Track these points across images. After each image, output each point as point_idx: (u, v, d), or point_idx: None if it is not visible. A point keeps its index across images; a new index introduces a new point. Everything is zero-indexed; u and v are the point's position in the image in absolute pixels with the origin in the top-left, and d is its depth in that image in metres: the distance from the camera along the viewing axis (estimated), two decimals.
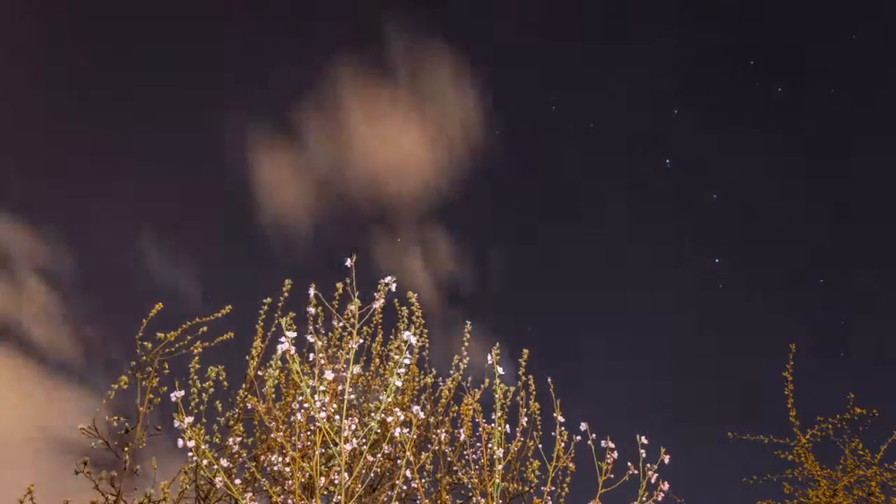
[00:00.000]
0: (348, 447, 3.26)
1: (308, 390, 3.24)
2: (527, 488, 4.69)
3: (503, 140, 12.81)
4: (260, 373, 4.56)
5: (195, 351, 4.49)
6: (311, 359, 3.37)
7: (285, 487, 4.02)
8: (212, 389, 4.56)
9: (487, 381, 4.70)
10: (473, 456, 4.42)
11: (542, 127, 13.22)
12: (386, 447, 4.28)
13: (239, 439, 4.43)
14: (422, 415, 4.68)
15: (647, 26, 12.85)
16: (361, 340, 3.28)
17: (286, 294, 4.65)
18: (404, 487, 4.48)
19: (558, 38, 13.02)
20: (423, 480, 4.79)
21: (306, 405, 3.60)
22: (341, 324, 4.53)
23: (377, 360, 4.99)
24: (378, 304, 3.24)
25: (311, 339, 3.43)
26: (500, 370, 3.60)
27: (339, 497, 3.25)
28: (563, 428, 3.56)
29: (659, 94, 12.84)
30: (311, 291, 3.47)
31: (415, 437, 4.44)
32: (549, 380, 3.60)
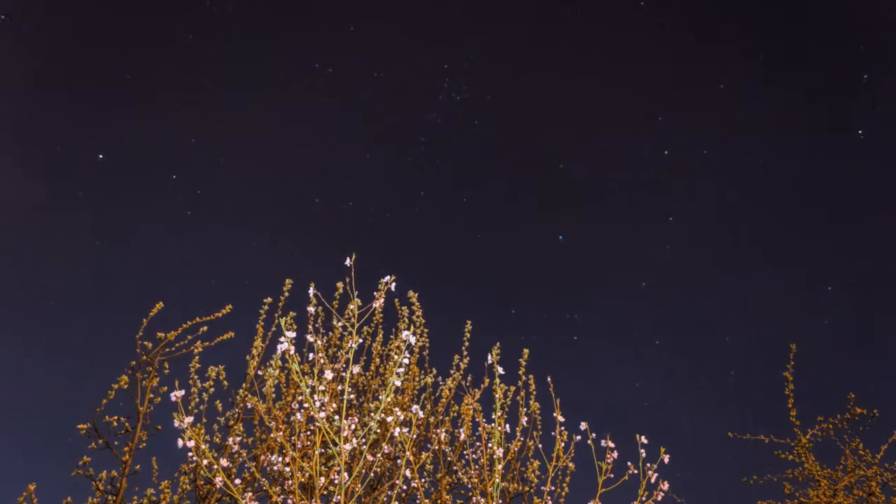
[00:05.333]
0: (348, 447, 3.26)
1: (307, 390, 3.24)
2: (527, 488, 4.69)
3: (666, 126, 12.55)
4: (260, 372, 4.56)
5: (195, 351, 4.49)
6: (311, 358, 3.37)
7: (285, 487, 4.02)
8: (212, 389, 4.55)
9: (487, 380, 4.70)
10: (473, 456, 4.42)
11: (711, 105, 12.97)
12: (386, 447, 4.28)
13: (239, 439, 4.43)
14: (421, 414, 4.68)
15: None
16: (361, 340, 3.28)
17: (286, 294, 4.65)
18: (404, 487, 4.47)
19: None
20: (423, 480, 4.79)
21: (306, 405, 3.60)
22: (341, 323, 4.53)
23: (377, 360, 4.99)
24: (378, 304, 3.24)
25: (310, 338, 3.43)
26: (500, 370, 3.60)
27: (339, 497, 3.25)
28: (562, 428, 3.56)
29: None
30: (311, 291, 3.47)
31: (414, 436, 4.44)
32: (548, 379, 3.60)
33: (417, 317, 4.89)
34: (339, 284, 4.46)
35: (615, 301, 13.16)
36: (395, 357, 4.30)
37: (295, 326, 4.60)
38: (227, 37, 12.77)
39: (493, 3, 13.32)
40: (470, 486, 4.43)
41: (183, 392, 3.14)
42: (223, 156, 12.87)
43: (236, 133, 13.07)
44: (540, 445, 4.25)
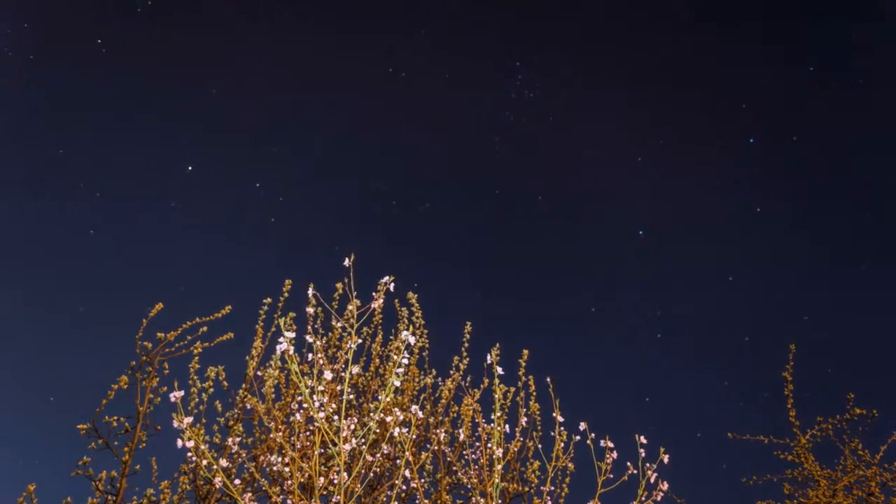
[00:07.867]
0: (347, 447, 3.26)
1: (307, 391, 3.24)
2: (527, 488, 4.69)
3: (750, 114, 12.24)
4: (259, 373, 4.56)
5: (195, 351, 4.49)
6: (310, 359, 3.38)
7: (284, 487, 4.02)
8: (211, 390, 4.56)
9: (487, 381, 4.70)
10: (473, 456, 4.42)
11: (801, 97, 12.71)
12: (385, 447, 4.28)
13: (238, 439, 4.43)
14: (420, 414, 4.68)
15: None
16: (360, 340, 3.29)
17: (286, 294, 4.65)
18: (404, 487, 4.48)
19: None
20: (423, 480, 4.79)
21: (305, 405, 3.60)
22: (340, 324, 4.53)
23: (377, 361, 4.99)
24: (377, 304, 3.24)
25: (310, 339, 3.43)
26: (499, 370, 3.60)
27: (339, 497, 3.25)
28: (562, 428, 3.56)
29: None
30: (310, 291, 3.47)
31: (414, 436, 4.44)
32: (548, 379, 3.60)
33: (417, 317, 4.90)
34: (339, 285, 4.46)
35: (700, 297, 12.95)
36: (395, 357, 4.31)
37: (294, 327, 4.60)
38: (298, 47, 12.88)
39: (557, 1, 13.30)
40: (470, 486, 4.43)
41: (182, 392, 3.14)
42: (302, 160, 12.99)
43: (309, 139, 13.17)
44: (539, 446, 4.26)
